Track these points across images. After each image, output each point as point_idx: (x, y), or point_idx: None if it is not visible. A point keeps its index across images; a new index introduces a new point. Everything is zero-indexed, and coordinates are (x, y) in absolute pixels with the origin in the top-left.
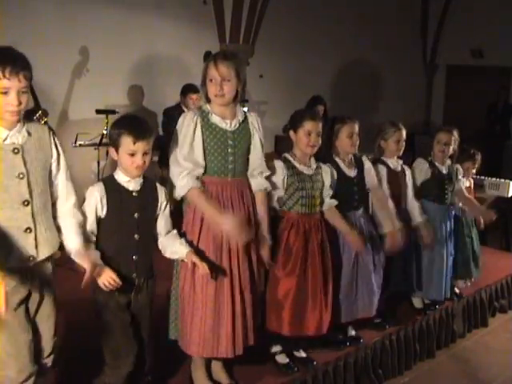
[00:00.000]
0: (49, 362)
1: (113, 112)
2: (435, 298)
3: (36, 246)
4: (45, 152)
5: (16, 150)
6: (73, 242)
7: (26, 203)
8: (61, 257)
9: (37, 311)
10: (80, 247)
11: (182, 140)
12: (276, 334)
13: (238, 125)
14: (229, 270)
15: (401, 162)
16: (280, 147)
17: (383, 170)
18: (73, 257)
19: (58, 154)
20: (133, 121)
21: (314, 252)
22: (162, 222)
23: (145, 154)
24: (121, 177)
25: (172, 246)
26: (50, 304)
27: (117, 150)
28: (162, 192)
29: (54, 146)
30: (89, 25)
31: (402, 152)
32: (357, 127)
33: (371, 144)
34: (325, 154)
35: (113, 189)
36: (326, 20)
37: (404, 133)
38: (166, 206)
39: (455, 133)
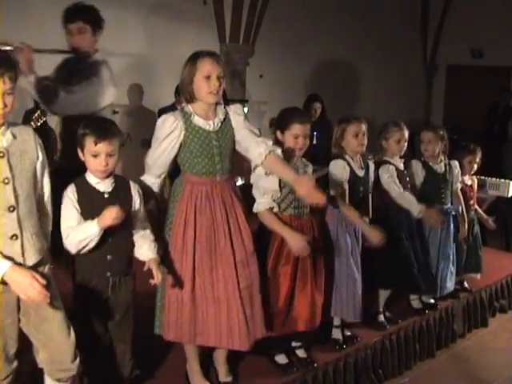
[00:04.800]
0: (74, 368)
1: (113, 112)
2: (429, 296)
3: (23, 254)
4: (30, 155)
5: (1, 154)
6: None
7: (11, 209)
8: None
9: (36, 315)
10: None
11: (155, 144)
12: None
13: (220, 124)
14: (221, 266)
15: (402, 161)
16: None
17: (392, 169)
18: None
19: (43, 158)
20: (97, 122)
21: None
22: (136, 221)
23: (108, 155)
24: (91, 178)
25: (139, 248)
26: (50, 306)
27: (82, 152)
28: (135, 190)
29: (39, 149)
30: None
31: (403, 152)
32: (364, 126)
33: (372, 144)
34: (333, 153)
35: (84, 191)
36: (326, 20)
37: (406, 133)
38: (139, 204)
39: (439, 131)
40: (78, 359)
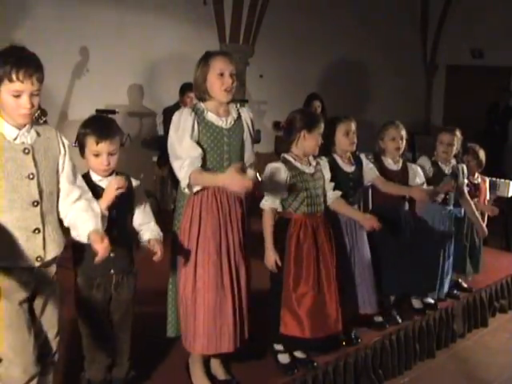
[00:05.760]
0: (54, 360)
1: (113, 112)
2: (429, 298)
3: (44, 247)
4: (53, 152)
5: (26, 150)
6: (88, 224)
7: (35, 204)
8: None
9: (42, 311)
10: (97, 227)
11: (180, 134)
12: (283, 336)
13: (232, 122)
14: (227, 264)
15: (401, 160)
16: (280, 147)
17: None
18: (88, 239)
19: (65, 152)
20: (97, 121)
21: (324, 250)
22: (140, 216)
23: (110, 154)
24: (94, 176)
25: (143, 235)
26: (54, 303)
27: (83, 151)
28: (138, 187)
29: (61, 145)
30: (89, 25)
31: (401, 151)
32: (353, 125)
33: (371, 143)
34: (323, 151)
35: (88, 188)
36: (325, 20)
37: (402, 131)
38: (142, 200)
39: (457, 133)
40: (56, 355)
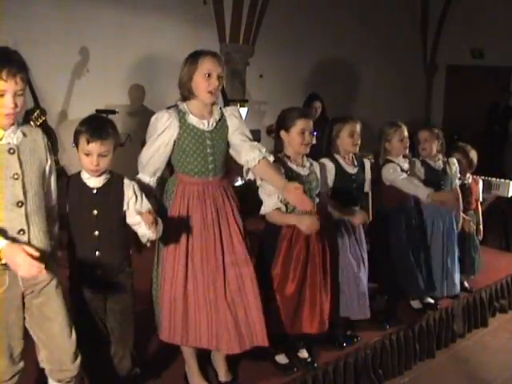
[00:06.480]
0: (74, 369)
1: (113, 112)
2: (433, 295)
3: None
4: (39, 154)
5: (12, 151)
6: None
7: (20, 204)
8: (61, 257)
9: (41, 316)
10: None
11: (149, 142)
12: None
13: (215, 124)
14: (207, 265)
15: (406, 161)
16: (280, 147)
17: (394, 165)
18: None
19: (51, 158)
20: (92, 121)
21: (314, 253)
22: (134, 215)
23: (100, 156)
24: (84, 174)
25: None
26: (53, 305)
27: (77, 148)
28: (129, 188)
29: (48, 152)
30: (89, 25)
31: (407, 150)
32: (358, 126)
33: (371, 144)
34: (326, 152)
35: (75, 186)
36: (326, 20)
37: (405, 130)
38: (137, 200)
39: (434, 129)
40: (78, 360)
